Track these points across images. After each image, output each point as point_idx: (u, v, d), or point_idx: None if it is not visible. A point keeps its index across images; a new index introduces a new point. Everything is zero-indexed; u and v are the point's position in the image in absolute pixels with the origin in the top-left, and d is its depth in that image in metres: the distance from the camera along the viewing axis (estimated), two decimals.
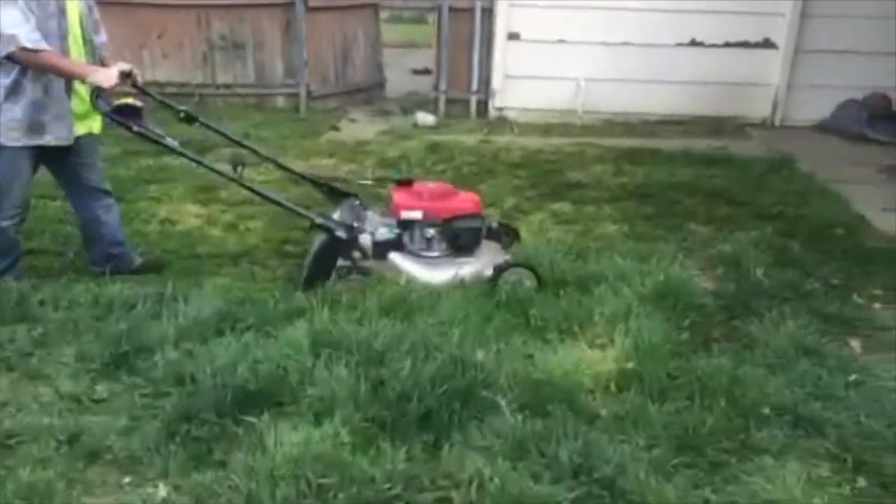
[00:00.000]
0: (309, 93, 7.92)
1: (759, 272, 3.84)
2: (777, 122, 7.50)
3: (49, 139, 3.41)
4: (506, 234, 3.90)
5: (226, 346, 2.86)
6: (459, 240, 3.60)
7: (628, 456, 2.41)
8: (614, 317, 3.23)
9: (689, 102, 7.53)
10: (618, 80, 7.47)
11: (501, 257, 3.68)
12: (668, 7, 7.28)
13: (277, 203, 3.67)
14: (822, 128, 7.28)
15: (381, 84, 8.77)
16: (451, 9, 7.66)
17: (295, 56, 7.81)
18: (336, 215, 3.71)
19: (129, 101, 3.46)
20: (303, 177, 4.15)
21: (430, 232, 3.60)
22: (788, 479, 2.35)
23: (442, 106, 7.87)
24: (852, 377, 2.98)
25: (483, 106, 7.83)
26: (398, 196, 3.69)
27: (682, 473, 2.39)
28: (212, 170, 3.65)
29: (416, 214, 3.59)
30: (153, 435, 2.46)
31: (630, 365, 2.90)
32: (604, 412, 2.70)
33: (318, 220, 3.53)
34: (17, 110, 3.31)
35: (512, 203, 5.04)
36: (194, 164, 3.75)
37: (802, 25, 7.19)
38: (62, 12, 3.34)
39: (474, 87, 7.80)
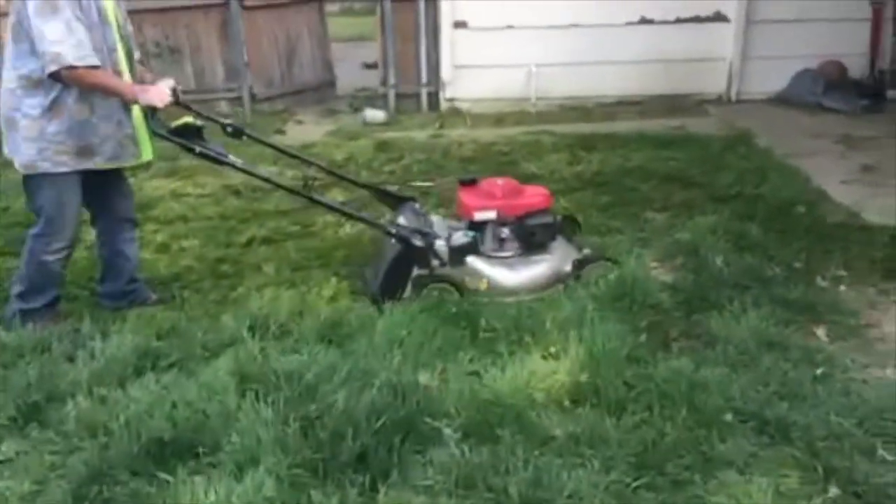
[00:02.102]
0: (253, 96, 7.62)
1: (719, 260, 3.67)
2: (734, 97, 7.37)
3: (98, 161, 3.11)
4: (569, 226, 3.70)
5: (144, 388, 2.62)
6: (535, 237, 3.44)
7: (584, 482, 2.22)
8: (567, 322, 3.04)
9: (644, 82, 7.37)
10: (569, 63, 7.28)
11: (574, 251, 3.53)
12: None
13: (352, 216, 3.58)
14: (779, 100, 7.16)
15: (331, 82, 8.48)
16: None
17: (235, 58, 7.50)
18: (401, 222, 3.50)
19: (189, 120, 3.21)
20: (356, 183, 3.96)
21: (505, 232, 3.44)
22: (755, 496, 2.18)
23: (392, 101, 7.63)
24: (819, 370, 2.82)
25: (434, 98, 7.60)
26: (468, 197, 3.52)
27: (641, 497, 2.21)
28: (282, 188, 3.53)
29: (491, 214, 3.43)
30: (59, 501, 2.22)
31: (584, 376, 2.71)
32: (558, 432, 2.50)
33: (393, 230, 3.36)
34: (61, 132, 3.00)
35: None
36: None
37: None
38: (105, 22, 3.03)
39: (424, 79, 7.57)
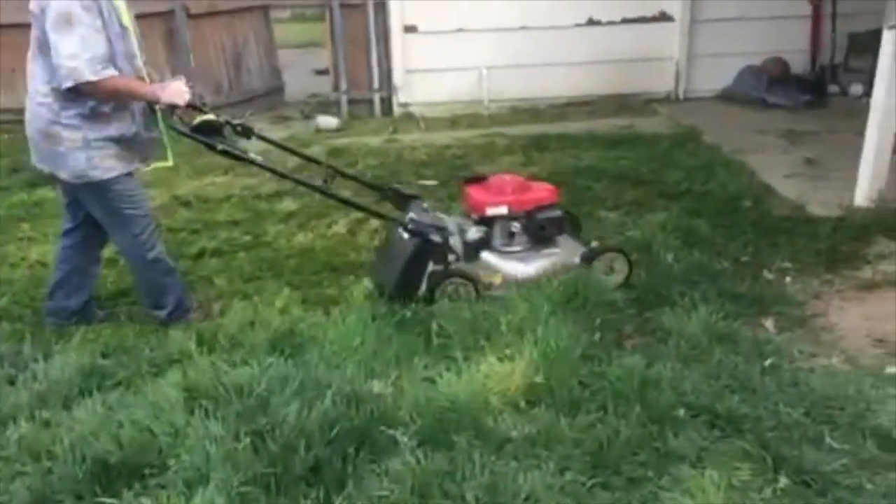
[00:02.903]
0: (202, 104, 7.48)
1: (669, 257, 3.72)
2: (681, 95, 7.50)
3: (138, 164, 3.16)
4: (571, 221, 3.75)
5: (88, 410, 2.54)
6: (545, 231, 3.50)
7: (540, 484, 2.22)
8: (522, 324, 3.04)
9: (594, 82, 7.45)
10: (520, 65, 7.33)
11: (581, 245, 3.59)
12: None
13: (367, 211, 3.57)
14: (725, 96, 7.31)
15: (280, 88, 8.39)
16: (342, 5, 7.36)
17: (182, 66, 7.34)
18: (407, 219, 3.44)
19: (210, 117, 3.18)
20: (363, 182, 3.89)
21: (516, 226, 3.48)
22: (708, 489, 2.20)
23: (344, 107, 7.57)
24: (768, 362, 2.88)
25: (387, 103, 7.57)
26: (478, 193, 3.55)
27: (597, 496, 2.21)
28: (302, 184, 3.50)
29: (502, 210, 3.46)
30: None
31: (539, 377, 2.72)
32: (514, 434, 2.50)
33: (411, 226, 3.33)
34: (103, 138, 3.00)
35: None
36: None
37: None
38: (125, 30, 3.01)
39: (376, 84, 7.53)
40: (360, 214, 4.60)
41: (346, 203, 3.54)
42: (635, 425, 2.47)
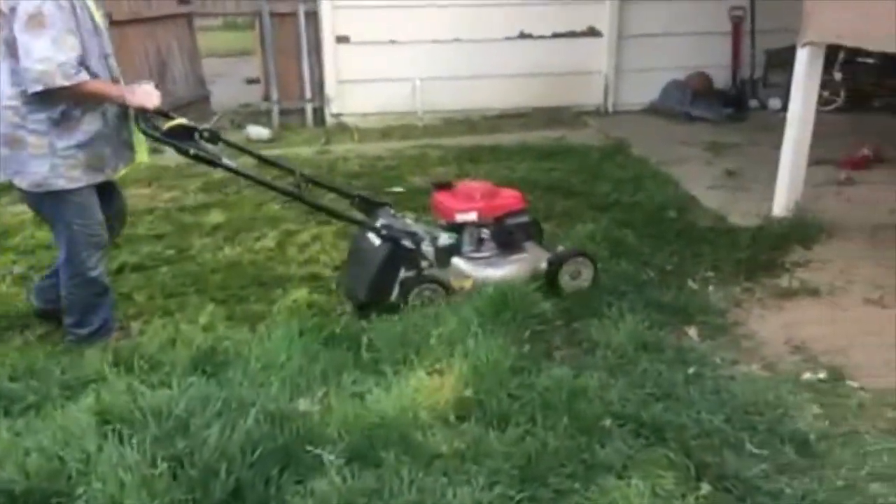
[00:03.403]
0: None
1: (598, 267, 3.77)
2: (610, 108, 7.67)
3: (109, 173, 3.07)
4: (534, 228, 3.79)
5: None
6: (512, 237, 3.56)
7: (468, 499, 2.20)
8: (452, 337, 3.02)
9: (526, 95, 7.54)
10: (453, 77, 7.36)
11: (545, 250, 3.65)
12: (494, 1, 7.24)
13: (341, 217, 3.57)
14: (652, 110, 7.51)
15: (205, 98, 8.18)
16: (272, 14, 7.25)
17: None
18: (379, 225, 3.45)
19: (182, 121, 3.12)
20: (332, 189, 3.84)
21: (486, 232, 3.53)
22: (633, 499, 2.23)
23: (276, 117, 7.45)
24: (691, 370, 2.94)
25: (320, 114, 7.48)
26: (447, 199, 3.56)
27: None
28: (276, 189, 3.45)
29: (472, 216, 3.49)
30: None
31: (469, 391, 2.70)
32: (443, 449, 2.47)
33: (384, 231, 3.36)
34: (72, 146, 2.89)
35: None
36: None
37: (622, 11, 7.37)
38: (97, 28, 2.92)
39: (308, 94, 7.43)
40: (289, 227, 4.56)
41: (321, 209, 3.54)
42: (563, 437, 2.48)
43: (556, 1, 7.35)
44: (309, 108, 7.49)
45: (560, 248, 3.69)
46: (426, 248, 3.41)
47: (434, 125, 7.36)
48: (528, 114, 7.56)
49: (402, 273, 3.36)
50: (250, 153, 3.71)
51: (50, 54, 2.69)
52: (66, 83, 2.72)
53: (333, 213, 3.58)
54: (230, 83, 9.54)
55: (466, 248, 3.52)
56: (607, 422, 2.57)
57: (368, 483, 2.24)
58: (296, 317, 3.27)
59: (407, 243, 3.36)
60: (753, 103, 7.42)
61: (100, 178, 3.03)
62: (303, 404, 2.60)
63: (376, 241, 3.38)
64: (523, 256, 3.58)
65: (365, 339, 3.05)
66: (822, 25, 4.05)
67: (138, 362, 2.82)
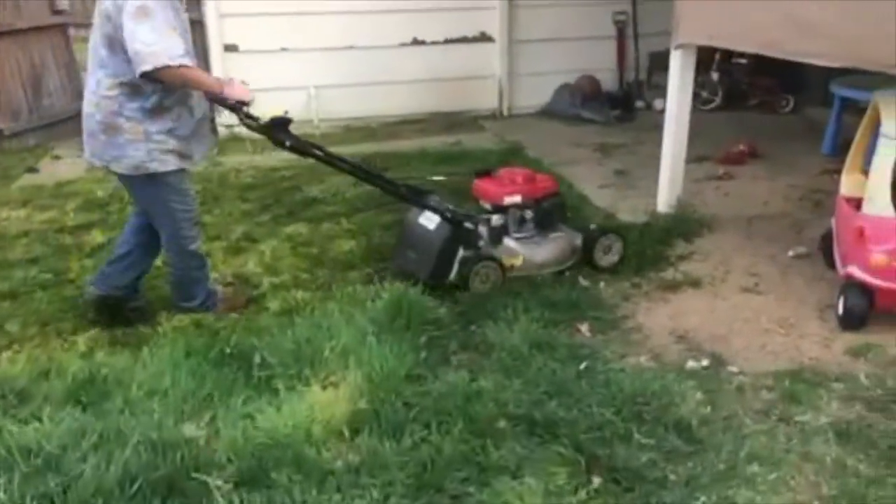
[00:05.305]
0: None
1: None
2: (505, 112, 7.78)
3: (197, 160, 3.33)
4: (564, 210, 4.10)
5: None
6: (551, 217, 3.87)
7: None
8: (346, 349, 2.98)
9: (423, 100, 7.54)
10: (349, 84, 7.28)
11: (576, 229, 3.96)
12: (386, 8, 7.20)
13: (417, 203, 3.72)
14: (545, 113, 7.67)
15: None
16: None
17: None
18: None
19: (280, 113, 3.28)
20: (381, 179, 3.85)
21: (529, 213, 3.82)
22: (527, 498, 2.25)
23: None
24: (583, 365, 3.02)
25: (211, 124, 7.22)
26: (493, 184, 3.86)
27: None
28: (377, 184, 3.73)
29: (517, 198, 3.78)
30: None
31: (363, 403, 2.67)
32: (338, 464, 2.43)
33: (448, 214, 3.61)
34: (164, 131, 3.14)
35: (241, 232, 4.61)
36: None
37: (512, 17, 7.49)
38: (187, 31, 3.18)
39: None
40: None
41: (402, 198, 3.76)
42: (458, 441, 2.49)
43: (447, 8, 7.40)
44: None
45: (592, 227, 4.04)
46: (481, 228, 3.69)
47: (332, 133, 7.25)
48: (427, 119, 7.58)
49: (461, 252, 3.61)
50: (317, 147, 3.67)
51: (156, 38, 2.93)
52: (171, 63, 2.93)
53: (410, 200, 3.76)
54: None
55: (512, 228, 3.81)
56: (502, 423, 2.60)
57: None
58: (182, 338, 3.14)
59: (469, 224, 3.64)
60: (640, 104, 7.70)
61: (187, 165, 3.27)
62: (188, 430, 2.50)
63: (432, 224, 3.63)
64: (560, 235, 3.90)
65: (257, 357, 2.96)
66: (693, 28, 4.25)
67: (6, 396, 2.62)
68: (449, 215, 3.62)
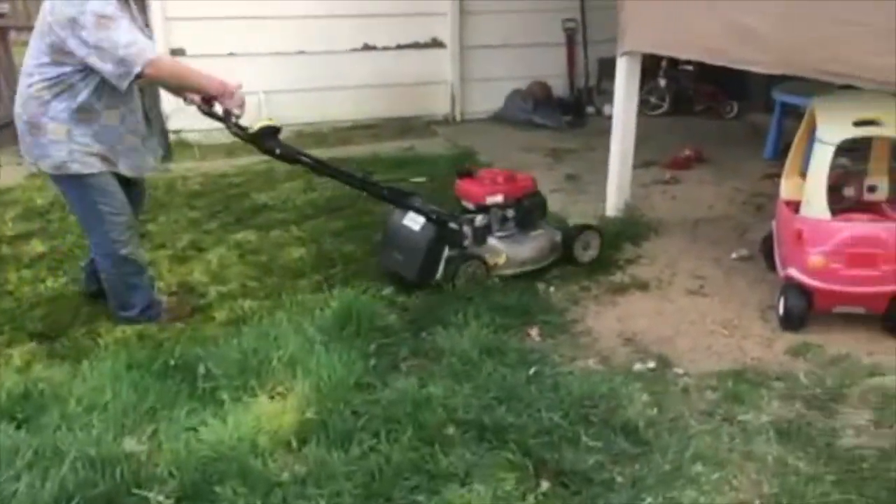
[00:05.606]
0: None
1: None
2: (458, 117, 7.81)
3: (122, 169, 3.25)
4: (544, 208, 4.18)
5: None
6: (531, 216, 3.95)
7: None
8: (295, 358, 2.94)
9: (376, 106, 7.52)
10: (299, 89, 7.20)
11: (556, 227, 4.09)
12: (337, 13, 7.16)
13: (403, 205, 3.77)
14: (498, 118, 7.71)
15: None
16: None
17: None
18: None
19: (268, 122, 3.36)
20: (366, 182, 3.92)
21: (511, 212, 3.89)
22: None
23: None
24: (532, 370, 3.03)
25: (161, 135, 7.07)
26: (475, 184, 3.94)
27: None
28: (352, 183, 3.79)
29: (499, 198, 3.86)
30: None
31: (311, 413, 2.63)
32: (284, 476, 2.39)
33: (433, 215, 3.67)
34: (88, 136, 3.11)
35: (187, 240, 4.52)
36: None
37: (463, 23, 7.52)
38: (144, 31, 3.15)
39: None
40: None
41: (387, 200, 3.84)
42: (407, 449, 2.48)
43: (399, 14, 7.39)
44: None
45: (570, 225, 4.18)
46: (466, 228, 3.76)
47: (282, 139, 7.17)
48: (379, 125, 7.55)
49: (447, 252, 3.66)
50: (308, 155, 3.77)
51: (131, 37, 2.92)
52: (154, 57, 2.97)
53: (397, 202, 3.81)
54: None
55: (494, 227, 3.88)
56: (451, 429, 2.59)
57: None
58: (124, 350, 3.06)
59: (453, 224, 3.69)
60: (590, 110, 7.80)
61: (113, 169, 3.22)
62: (129, 444, 2.44)
63: (416, 225, 3.68)
64: (541, 232, 3.97)
65: (201, 368, 2.90)
66: (637, 36, 4.33)
67: None
68: (434, 216, 3.68)
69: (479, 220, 3.84)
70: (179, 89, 3.29)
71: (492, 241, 3.86)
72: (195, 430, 2.55)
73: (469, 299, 3.58)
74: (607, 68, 7.53)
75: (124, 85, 2.99)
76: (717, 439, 2.63)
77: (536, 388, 2.88)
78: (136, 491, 2.23)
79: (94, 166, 3.15)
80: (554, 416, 2.68)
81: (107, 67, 2.94)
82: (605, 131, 4.93)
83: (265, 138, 3.34)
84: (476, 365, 3.03)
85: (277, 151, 3.37)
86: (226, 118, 3.22)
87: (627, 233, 4.40)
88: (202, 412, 2.66)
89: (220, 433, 2.52)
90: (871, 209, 3.45)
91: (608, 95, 7.53)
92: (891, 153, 3.45)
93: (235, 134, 3.29)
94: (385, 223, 3.99)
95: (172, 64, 3.10)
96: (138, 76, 2.95)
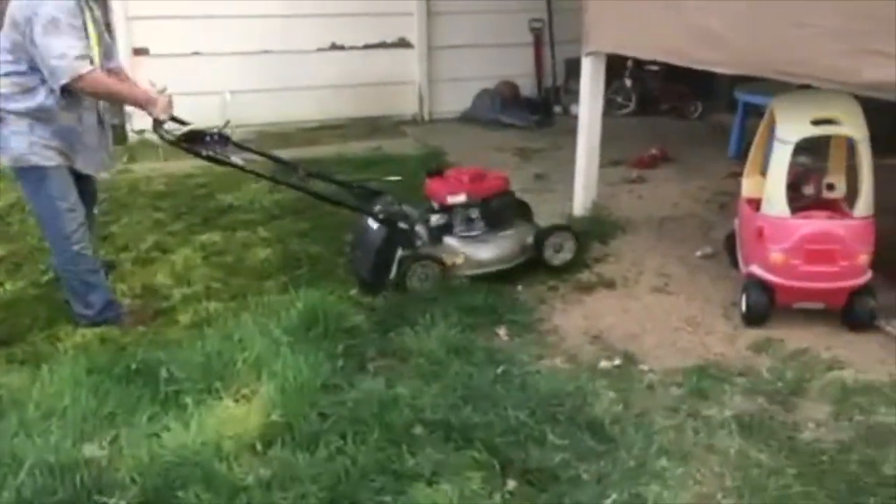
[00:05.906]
0: None
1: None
2: (426, 117, 7.80)
3: (80, 166, 3.32)
4: (524, 208, 4.17)
5: None
6: (500, 216, 3.90)
7: None
8: (260, 360, 2.91)
9: (343, 106, 7.48)
10: (265, 89, 7.13)
11: (533, 226, 4.02)
12: (304, 12, 7.11)
13: (341, 204, 3.91)
14: (466, 118, 7.72)
15: None
16: None
17: None
18: (376, 209, 3.77)
19: (194, 127, 3.51)
20: (333, 181, 4.08)
21: (475, 212, 3.86)
22: None
23: None
24: (500, 369, 3.03)
25: (120, 131, 6.95)
26: (438, 184, 3.92)
27: None
28: (284, 183, 3.89)
29: (461, 198, 3.82)
30: None
31: (276, 415, 2.61)
32: (249, 480, 2.36)
33: (381, 215, 3.69)
34: (46, 133, 3.17)
35: (151, 241, 4.45)
36: None
37: (431, 23, 7.52)
38: (102, 37, 3.28)
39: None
40: None
41: (323, 199, 3.89)
42: (374, 450, 2.47)
43: (366, 13, 7.35)
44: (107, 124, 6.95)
45: (543, 226, 4.05)
46: (419, 228, 3.76)
47: (248, 139, 6.98)
48: (347, 125, 7.51)
49: (400, 252, 3.66)
50: (258, 153, 4.00)
51: (67, 51, 3.00)
52: (83, 72, 3.01)
53: (334, 202, 3.89)
54: None
55: (458, 227, 3.86)
56: (418, 429, 2.59)
57: None
58: (84, 354, 3.00)
59: (402, 224, 3.69)
60: (558, 109, 7.84)
61: (72, 166, 3.28)
62: (89, 450, 2.39)
63: (375, 225, 3.70)
64: (510, 233, 3.92)
65: (164, 372, 2.85)
66: (601, 36, 4.36)
67: None
68: (382, 216, 3.68)
69: (435, 219, 3.82)
70: (111, 102, 3.43)
71: (450, 241, 3.83)
72: (157, 435, 2.51)
73: (436, 299, 3.58)
74: (574, 68, 7.56)
75: (57, 89, 3.08)
76: (681, 434, 2.66)
77: (503, 387, 2.88)
78: (96, 498, 2.19)
79: (53, 159, 3.20)
80: (520, 414, 2.69)
81: (45, 70, 3.07)
82: (573, 131, 4.96)
83: (190, 142, 3.43)
84: (443, 365, 3.03)
85: (204, 153, 3.44)
86: (154, 126, 3.32)
87: (595, 231, 4.44)
88: (164, 416, 2.62)
89: (183, 437, 2.48)
90: (830, 207, 3.52)
91: (575, 95, 7.57)
92: (848, 152, 3.52)
93: (161, 137, 3.36)
94: (354, 224, 3.98)
95: (101, 80, 3.14)
96: (66, 88, 3.05)
